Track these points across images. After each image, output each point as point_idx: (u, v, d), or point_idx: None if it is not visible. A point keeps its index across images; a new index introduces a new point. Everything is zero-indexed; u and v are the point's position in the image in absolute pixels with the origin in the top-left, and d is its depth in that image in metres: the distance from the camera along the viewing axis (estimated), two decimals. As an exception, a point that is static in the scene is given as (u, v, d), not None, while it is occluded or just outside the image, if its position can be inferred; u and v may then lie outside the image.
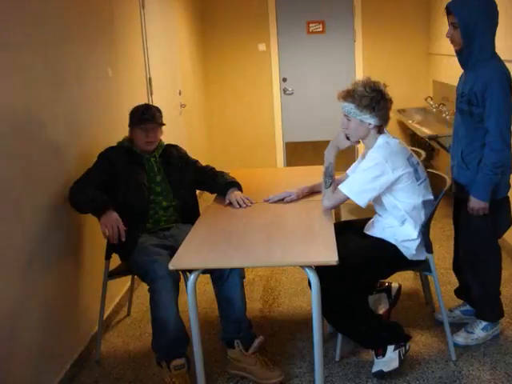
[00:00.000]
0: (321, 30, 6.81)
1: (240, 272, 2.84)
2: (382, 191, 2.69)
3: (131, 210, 3.01)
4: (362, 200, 2.68)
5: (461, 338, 3.02)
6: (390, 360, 2.75)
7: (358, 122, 2.71)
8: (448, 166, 3.12)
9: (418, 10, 6.66)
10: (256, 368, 2.78)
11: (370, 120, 2.69)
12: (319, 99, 6.97)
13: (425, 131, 4.96)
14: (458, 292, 3.26)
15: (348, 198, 2.70)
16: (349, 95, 2.70)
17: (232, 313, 2.82)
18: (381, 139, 2.74)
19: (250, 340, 2.84)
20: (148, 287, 2.78)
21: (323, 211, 2.85)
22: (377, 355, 2.79)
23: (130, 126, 3.12)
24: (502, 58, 2.74)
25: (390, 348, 2.76)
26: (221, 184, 3.22)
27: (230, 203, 3.09)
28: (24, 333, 2.50)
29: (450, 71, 5.56)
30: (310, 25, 6.81)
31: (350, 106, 2.70)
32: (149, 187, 3.11)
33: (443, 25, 5.89)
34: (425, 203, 2.77)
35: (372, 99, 2.65)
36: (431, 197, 2.81)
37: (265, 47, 6.90)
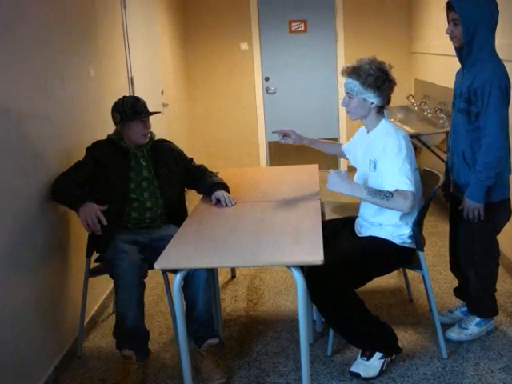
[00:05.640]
0: (303, 29, 6.83)
1: (204, 274, 2.81)
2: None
3: (111, 205, 2.95)
4: (412, 186, 2.57)
5: (454, 333, 3.03)
6: (371, 366, 2.76)
7: (361, 101, 2.66)
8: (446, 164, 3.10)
9: (400, 9, 6.70)
10: (203, 365, 2.81)
11: (373, 99, 2.65)
12: (302, 98, 6.98)
13: (407, 129, 4.99)
14: (458, 292, 3.24)
15: (413, 194, 2.56)
16: (354, 72, 2.63)
17: (192, 313, 2.83)
18: (385, 123, 2.71)
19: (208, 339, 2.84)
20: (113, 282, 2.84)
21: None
22: (362, 355, 2.79)
23: (121, 121, 3.02)
24: (501, 56, 2.73)
25: (378, 355, 2.77)
26: (208, 184, 3.20)
27: (218, 201, 3.10)
28: (6, 336, 2.48)
29: (432, 70, 5.60)
30: (292, 24, 6.82)
31: (354, 83, 2.64)
32: (134, 182, 3.06)
33: (425, 24, 5.94)
34: (421, 198, 2.78)
35: (377, 78, 2.60)
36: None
37: (247, 46, 6.90)
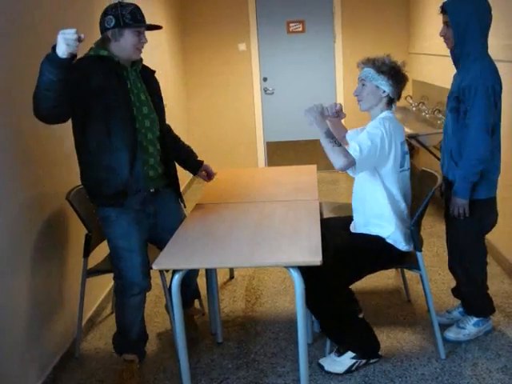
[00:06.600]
0: (301, 29, 6.83)
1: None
2: (372, 169, 2.68)
3: (118, 138, 2.54)
4: (361, 168, 2.60)
5: (452, 333, 3.04)
6: (339, 363, 2.81)
7: (373, 88, 2.71)
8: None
9: (398, 10, 6.71)
10: None
11: (386, 87, 2.70)
12: (300, 98, 6.98)
13: (405, 130, 4.99)
14: (456, 292, 3.23)
15: (354, 163, 2.54)
16: (369, 61, 2.73)
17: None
18: (386, 113, 2.75)
19: None
20: (115, 288, 2.80)
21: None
22: (336, 351, 2.84)
23: (116, 26, 2.52)
24: (494, 57, 2.77)
25: (349, 355, 2.80)
26: (189, 156, 3.37)
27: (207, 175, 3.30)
28: (4, 336, 2.47)
29: (430, 70, 5.60)
30: (290, 24, 6.82)
31: (368, 71, 2.71)
32: (135, 107, 2.61)
33: (423, 24, 5.94)
34: (405, 196, 2.80)
35: (391, 68, 2.69)
36: (410, 191, 2.85)
37: (245, 47, 6.90)
